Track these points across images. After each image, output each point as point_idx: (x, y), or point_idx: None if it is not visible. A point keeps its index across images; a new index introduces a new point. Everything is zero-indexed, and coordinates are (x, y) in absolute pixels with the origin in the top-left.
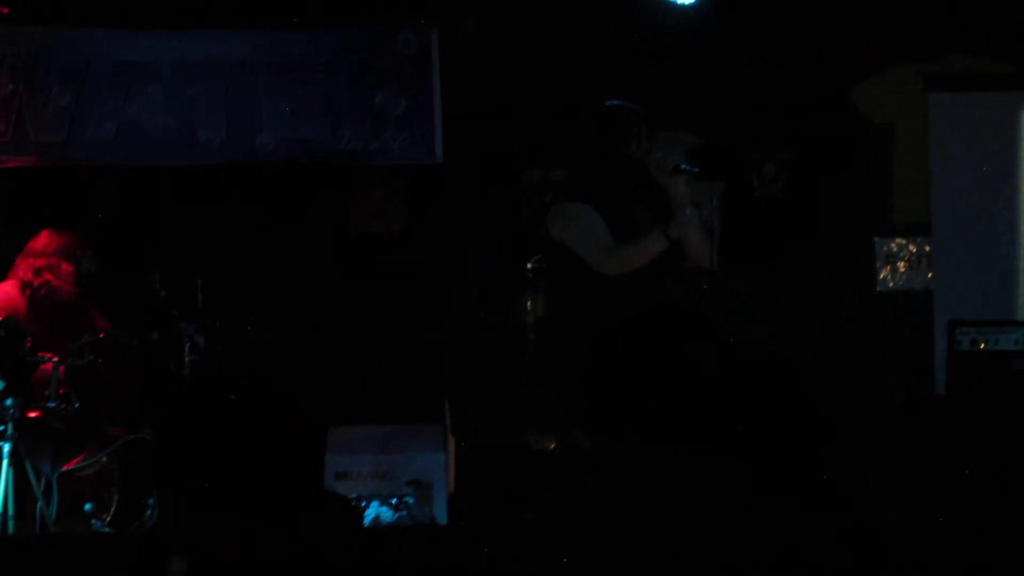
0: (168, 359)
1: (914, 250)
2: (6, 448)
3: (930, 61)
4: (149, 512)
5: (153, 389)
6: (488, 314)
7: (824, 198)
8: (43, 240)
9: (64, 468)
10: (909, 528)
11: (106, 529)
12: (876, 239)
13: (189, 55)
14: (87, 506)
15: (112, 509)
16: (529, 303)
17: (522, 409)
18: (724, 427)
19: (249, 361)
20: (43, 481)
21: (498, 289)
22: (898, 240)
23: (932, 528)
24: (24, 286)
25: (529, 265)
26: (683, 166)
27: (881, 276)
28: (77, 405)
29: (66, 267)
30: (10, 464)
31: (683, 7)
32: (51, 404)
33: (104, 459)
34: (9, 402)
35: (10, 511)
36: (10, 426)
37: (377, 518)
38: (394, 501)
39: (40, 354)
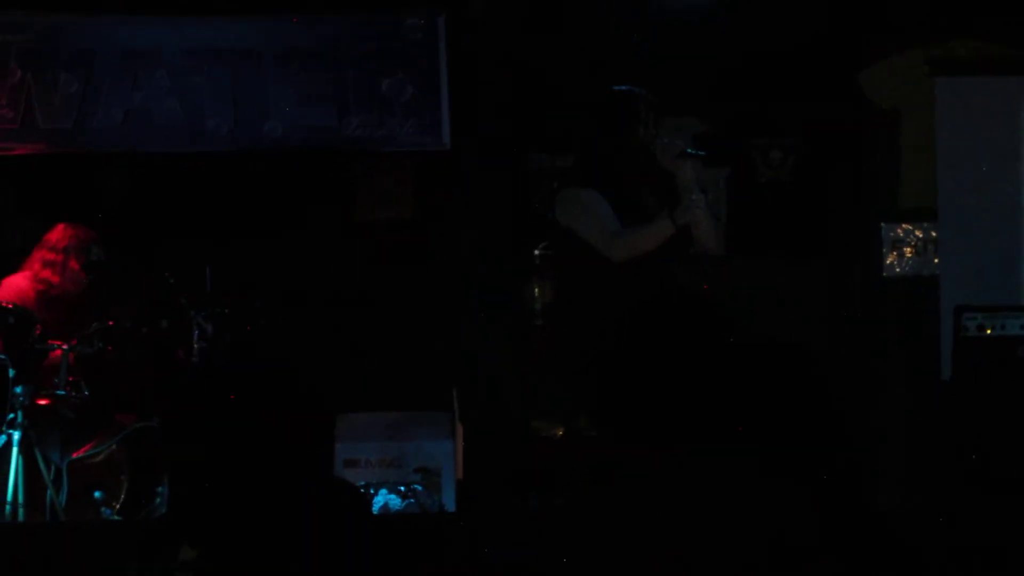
0: (177, 346)
1: (920, 235)
2: (16, 436)
3: (936, 46)
4: (158, 499)
5: (162, 377)
6: (496, 300)
7: (830, 184)
8: (57, 234)
9: (74, 456)
10: (916, 513)
11: (115, 517)
12: (882, 225)
13: (196, 42)
14: (96, 494)
15: (121, 497)
16: (536, 289)
17: (530, 395)
18: (731, 413)
19: (257, 348)
20: (53, 469)
21: (505, 275)
22: (904, 226)
23: (939, 513)
24: (35, 276)
25: (536, 251)
26: (690, 150)
27: (887, 262)
28: (87, 393)
29: (73, 265)
30: (20, 452)
31: None
32: (61, 392)
33: (113, 447)
34: (19, 389)
35: (20, 499)
36: (20, 414)
37: (385, 506)
38: (402, 488)
39: (50, 341)
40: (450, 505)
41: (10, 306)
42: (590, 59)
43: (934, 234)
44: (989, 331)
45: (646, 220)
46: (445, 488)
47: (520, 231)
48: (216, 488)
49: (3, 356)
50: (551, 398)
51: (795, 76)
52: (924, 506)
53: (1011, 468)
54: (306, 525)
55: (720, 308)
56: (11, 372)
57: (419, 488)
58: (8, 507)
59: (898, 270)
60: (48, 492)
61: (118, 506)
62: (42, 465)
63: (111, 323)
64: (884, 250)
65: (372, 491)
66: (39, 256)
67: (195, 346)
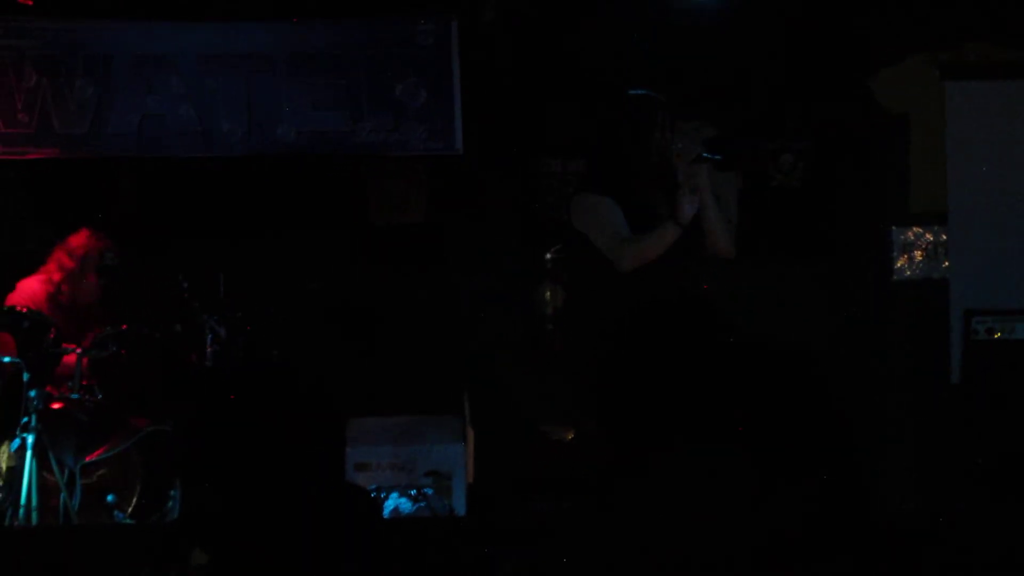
0: (190, 351)
1: (931, 239)
2: (30, 439)
3: (946, 50)
4: (171, 503)
5: (175, 381)
6: (507, 304)
7: (841, 187)
8: (79, 240)
9: (87, 459)
10: (924, 516)
11: (128, 520)
12: (893, 228)
13: (211, 47)
14: (109, 497)
15: (134, 500)
16: (548, 293)
17: (541, 399)
18: (741, 416)
19: (270, 352)
20: (66, 472)
21: (517, 279)
22: (915, 229)
23: (947, 516)
24: (49, 279)
25: (548, 255)
26: (705, 154)
27: (898, 265)
28: (100, 396)
29: (88, 278)
30: (34, 455)
31: None
32: (74, 395)
33: (126, 450)
34: (33, 393)
35: (34, 502)
36: (34, 417)
37: (396, 509)
38: (413, 492)
39: (64, 345)
40: (461, 509)
41: (25, 310)
42: (602, 64)
43: (944, 238)
44: (999, 335)
45: (653, 226)
46: (456, 492)
47: (531, 235)
48: (228, 492)
49: (17, 360)
50: (562, 402)
51: (806, 81)
52: (933, 509)
53: (1019, 472)
54: (317, 528)
55: (729, 312)
56: (25, 376)
57: (430, 492)
58: (22, 510)
59: (908, 273)
60: (61, 495)
61: (131, 509)
62: (56, 468)
63: (124, 327)
64: (894, 253)
65: (383, 495)
66: (57, 259)
67: (208, 350)
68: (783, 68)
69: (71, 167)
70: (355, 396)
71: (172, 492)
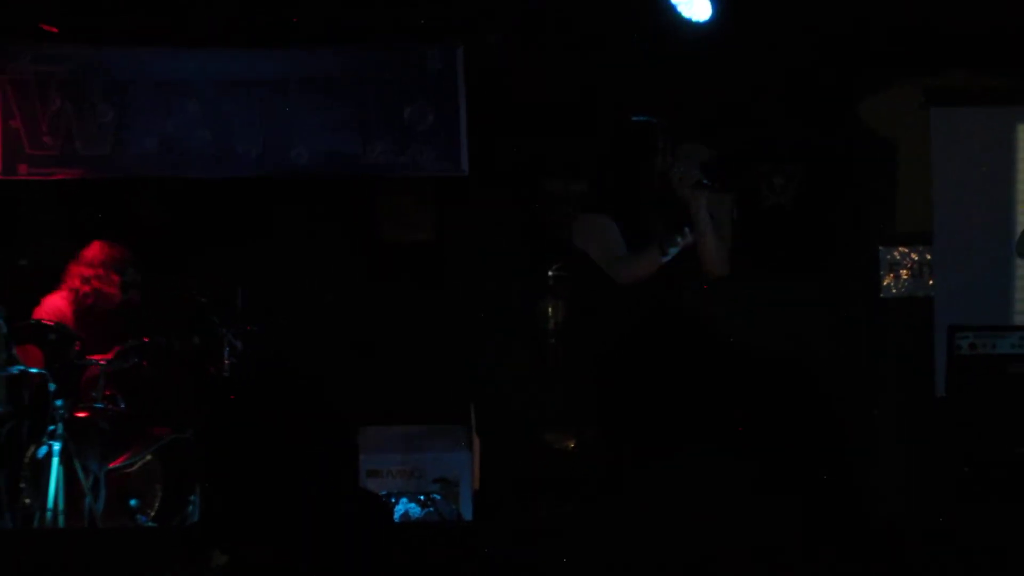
0: (208, 362)
1: (916, 258)
2: (56, 447)
3: (931, 77)
4: (191, 507)
5: (194, 391)
6: (511, 318)
7: (830, 208)
8: (94, 250)
9: (111, 465)
10: (911, 521)
11: (150, 523)
12: (880, 248)
13: (227, 73)
14: (132, 501)
15: (156, 504)
16: (550, 308)
17: (543, 410)
18: (735, 426)
19: (286, 365)
20: (91, 478)
21: (521, 295)
22: (901, 248)
23: (932, 521)
24: (72, 293)
25: (550, 272)
26: (703, 180)
27: (884, 283)
28: (123, 406)
29: (114, 276)
30: (60, 462)
31: (698, 25)
32: (98, 405)
33: (148, 457)
34: (59, 403)
35: (60, 506)
36: (60, 426)
37: (406, 513)
38: (422, 497)
39: (88, 357)
40: (467, 513)
41: (51, 323)
42: (604, 90)
43: (929, 257)
44: (981, 350)
45: (645, 247)
46: (462, 497)
47: (534, 253)
48: (246, 496)
49: (44, 371)
50: (564, 412)
51: (797, 107)
52: (918, 514)
53: (1002, 479)
54: (331, 531)
55: (724, 326)
56: (52, 386)
57: (438, 497)
58: (49, 514)
59: (895, 291)
60: (87, 500)
61: (153, 513)
62: (81, 474)
63: (146, 340)
64: (882, 272)
65: (394, 500)
66: (76, 272)
67: (225, 362)
68: (776, 95)
69: (94, 187)
70: (367, 406)
71: (192, 497)
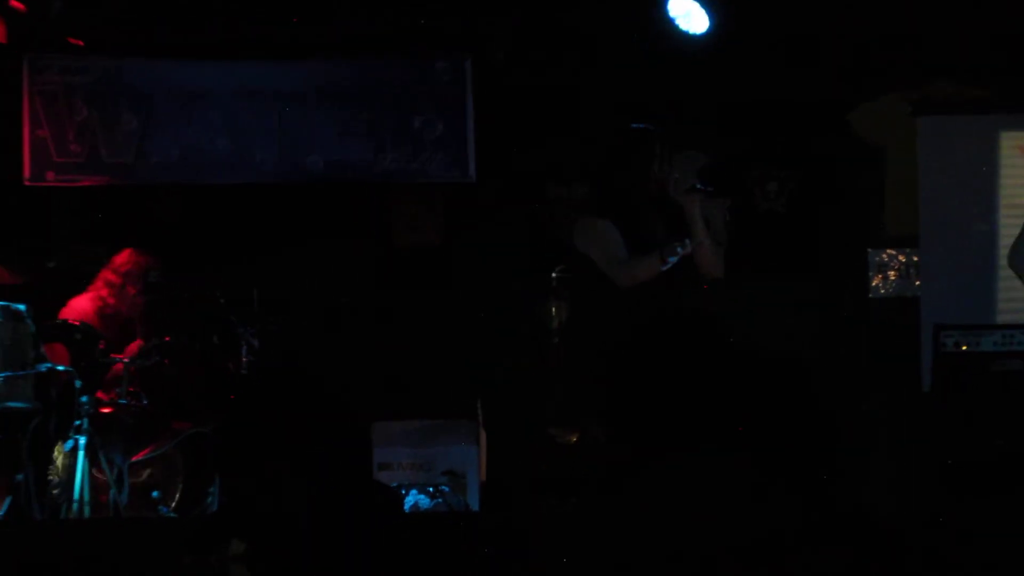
0: (227, 360)
1: (903, 260)
2: (82, 441)
3: (918, 88)
4: (210, 498)
5: (214, 387)
6: (517, 318)
7: (821, 213)
8: (122, 258)
9: (134, 459)
10: (898, 515)
11: (172, 514)
12: (869, 250)
13: (246, 83)
14: (155, 493)
15: (177, 496)
16: (553, 309)
17: (548, 405)
18: (730, 424)
19: (301, 363)
20: (115, 470)
21: (525, 296)
22: (889, 251)
23: (919, 515)
24: (98, 296)
25: (553, 274)
26: (699, 186)
27: (873, 284)
28: (145, 402)
29: (130, 290)
30: (85, 455)
31: (695, 37)
32: (122, 401)
33: (170, 450)
34: (84, 399)
35: (86, 497)
36: (86, 421)
37: (416, 505)
38: (431, 489)
39: (112, 356)
40: (474, 505)
41: (77, 323)
42: (605, 98)
43: (916, 259)
44: (965, 347)
45: (651, 249)
46: (470, 489)
47: (538, 256)
48: (263, 487)
49: (70, 368)
50: (567, 408)
51: (790, 116)
52: (906, 509)
53: (986, 474)
54: (345, 520)
55: (720, 327)
56: (77, 383)
57: (446, 489)
58: (75, 505)
59: (883, 291)
60: (111, 491)
61: (174, 504)
62: (106, 467)
63: (167, 339)
64: (870, 273)
65: (404, 491)
66: (104, 277)
67: (243, 360)
68: (770, 103)
69: (119, 193)
70: (379, 403)
71: (212, 488)
